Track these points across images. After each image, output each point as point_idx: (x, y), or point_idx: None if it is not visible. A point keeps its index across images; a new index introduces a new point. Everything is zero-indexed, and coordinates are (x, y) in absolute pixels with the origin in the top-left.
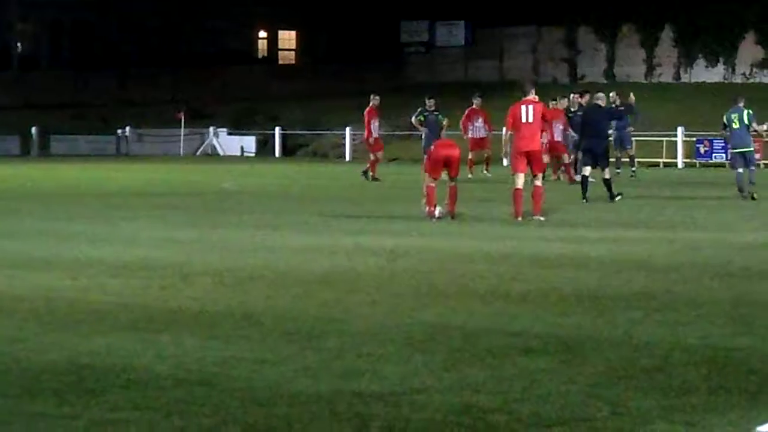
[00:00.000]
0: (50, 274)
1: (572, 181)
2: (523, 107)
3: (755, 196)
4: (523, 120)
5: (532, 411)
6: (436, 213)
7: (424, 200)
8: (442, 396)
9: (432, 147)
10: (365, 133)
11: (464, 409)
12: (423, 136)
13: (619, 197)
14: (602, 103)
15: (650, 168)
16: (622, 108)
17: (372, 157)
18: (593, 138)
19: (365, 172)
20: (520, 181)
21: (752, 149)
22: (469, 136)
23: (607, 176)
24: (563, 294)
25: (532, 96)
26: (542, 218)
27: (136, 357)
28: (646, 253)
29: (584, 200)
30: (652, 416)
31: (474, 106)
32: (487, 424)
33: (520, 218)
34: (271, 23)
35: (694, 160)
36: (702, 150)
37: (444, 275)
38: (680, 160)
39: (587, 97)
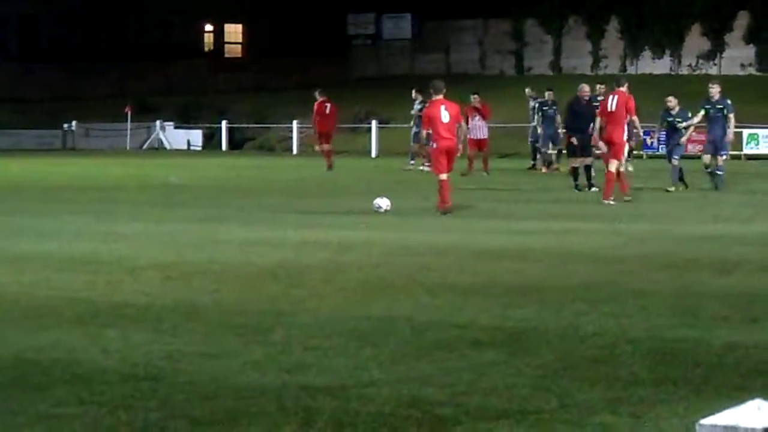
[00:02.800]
0: None
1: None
2: (611, 96)
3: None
4: (608, 109)
5: (480, 403)
6: (384, 207)
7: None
8: (389, 389)
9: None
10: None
11: (412, 402)
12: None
13: (594, 189)
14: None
15: (596, 160)
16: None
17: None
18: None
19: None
20: (613, 166)
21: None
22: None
23: (588, 163)
24: (509, 286)
25: (623, 88)
26: (610, 201)
27: (81, 352)
28: (592, 245)
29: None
30: (599, 408)
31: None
32: (435, 417)
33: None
34: (217, 16)
35: (641, 152)
36: (649, 141)
37: (391, 268)
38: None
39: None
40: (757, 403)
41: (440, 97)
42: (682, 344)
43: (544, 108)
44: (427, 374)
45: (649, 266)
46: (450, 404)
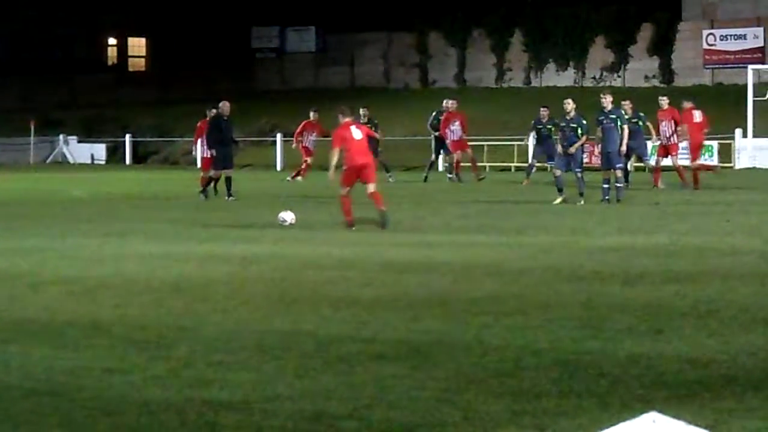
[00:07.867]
0: None
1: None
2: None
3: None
4: None
5: (383, 417)
6: (288, 220)
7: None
8: (293, 403)
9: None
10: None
11: (315, 417)
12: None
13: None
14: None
15: (502, 172)
16: None
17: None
18: None
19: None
20: None
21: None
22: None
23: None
24: (414, 299)
25: None
26: None
27: None
28: (497, 258)
29: None
30: (503, 421)
31: (311, 120)
32: (338, 431)
33: None
34: (121, 30)
35: (546, 164)
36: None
37: (295, 282)
38: None
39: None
40: (653, 416)
41: (348, 119)
42: (587, 356)
43: (539, 127)
44: (331, 388)
45: (555, 278)
46: (353, 418)
